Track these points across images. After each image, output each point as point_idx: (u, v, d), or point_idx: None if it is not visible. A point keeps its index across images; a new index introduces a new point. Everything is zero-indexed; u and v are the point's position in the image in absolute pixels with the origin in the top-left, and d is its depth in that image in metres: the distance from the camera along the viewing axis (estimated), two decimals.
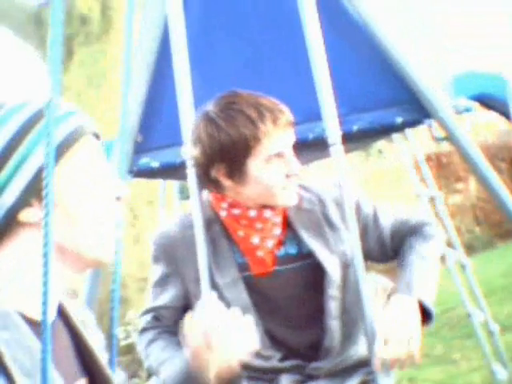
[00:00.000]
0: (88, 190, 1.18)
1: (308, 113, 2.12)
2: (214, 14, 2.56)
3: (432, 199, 3.83)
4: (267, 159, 1.95)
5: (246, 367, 2.09)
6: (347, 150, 2.77)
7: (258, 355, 2.07)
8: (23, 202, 1.11)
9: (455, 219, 9.00)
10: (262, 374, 2.11)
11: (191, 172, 2.13)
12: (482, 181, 2.57)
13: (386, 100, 2.47)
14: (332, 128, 2.09)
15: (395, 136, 3.59)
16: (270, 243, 2.07)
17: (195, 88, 2.21)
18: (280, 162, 1.97)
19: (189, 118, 2.14)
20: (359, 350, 2.15)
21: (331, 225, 2.13)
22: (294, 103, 1.99)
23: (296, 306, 2.12)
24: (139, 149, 2.59)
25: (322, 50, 2.12)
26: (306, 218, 2.12)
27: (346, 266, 2.10)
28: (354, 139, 2.51)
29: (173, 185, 3.95)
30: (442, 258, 3.83)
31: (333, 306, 2.09)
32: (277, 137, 1.94)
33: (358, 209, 2.16)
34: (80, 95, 5.58)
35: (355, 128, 2.45)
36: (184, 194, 3.57)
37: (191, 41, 2.27)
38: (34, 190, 1.10)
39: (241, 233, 2.06)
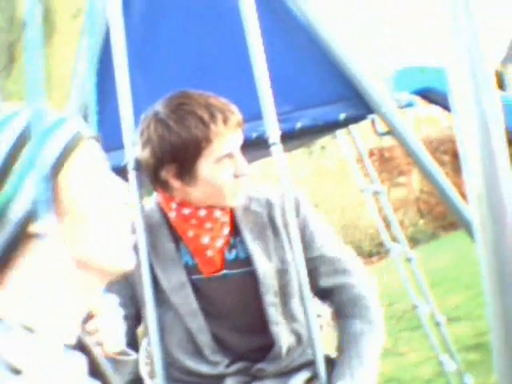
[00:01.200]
0: (96, 194, 1.14)
1: (252, 112, 2.11)
2: (155, 16, 2.54)
3: (376, 193, 3.86)
4: (217, 160, 1.92)
5: (192, 373, 2.08)
6: (291, 148, 2.79)
7: (205, 361, 2.07)
8: (33, 213, 1.06)
9: (399, 212, 9.11)
10: (209, 379, 2.08)
11: (132, 175, 2.11)
12: (425, 174, 2.59)
13: (329, 97, 2.47)
14: (272, 127, 2.09)
15: (338, 131, 3.61)
16: (220, 242, 2.05)
17: (139, 90, 2.19)
18: (229, 163, 1.95)
19: (129, 122, 2.12)
20: (306, 352, 2.16)
21: (275, 229, 2.11)
22: (238, 102, 1.98)
23: (243, 311, 2.10)
24: None
25: (261, 49, 2.11)
26: (251, 220, 2.10)
27: (286, 272, 2.09)
28: (298, 136, 2.51)
29: None
30: (387, 252, 3.87)
31: (273, 313, 2.07)
32: (227, 138, 1.91)
33: (306, 225, 2.14)
34: (25, 101, 5.46)
35: (299, 125, 2.44)
36: None
37: (134, 44, 2.25)
38: None
39: (191, 233, 2.03)
